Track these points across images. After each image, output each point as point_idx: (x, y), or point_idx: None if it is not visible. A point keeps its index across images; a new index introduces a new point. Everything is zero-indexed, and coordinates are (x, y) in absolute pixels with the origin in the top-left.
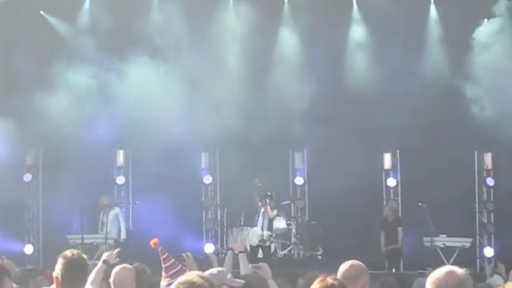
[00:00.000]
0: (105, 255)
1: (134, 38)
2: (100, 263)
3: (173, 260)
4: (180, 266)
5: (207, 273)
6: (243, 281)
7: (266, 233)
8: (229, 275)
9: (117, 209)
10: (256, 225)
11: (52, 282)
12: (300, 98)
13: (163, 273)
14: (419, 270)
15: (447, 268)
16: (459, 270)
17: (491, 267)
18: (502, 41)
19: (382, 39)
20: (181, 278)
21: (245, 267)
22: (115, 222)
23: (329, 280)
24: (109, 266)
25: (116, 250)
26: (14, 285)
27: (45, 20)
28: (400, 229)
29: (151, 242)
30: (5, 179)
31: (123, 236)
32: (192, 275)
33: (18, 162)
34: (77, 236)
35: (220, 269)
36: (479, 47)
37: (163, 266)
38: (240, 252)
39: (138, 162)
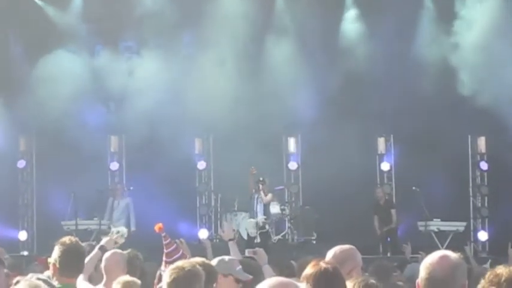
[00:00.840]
0: (103, 241)
1: (126, 23)
2: (96, 249)
3: (175, 245)
4: (181, 251)
5: (217, 259)
6: (251, 276)
7: (260, 218)
8: (239, 267)
9: (129, 199)
10: (254, 212)
11: (46, 269)
12: (294, 83)
13: (164, 258)
14: (411, 255)
15: (440, 253)
16: (452, 255)
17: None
18: (497, 23)
19: (375, 24)
20: (174, 264)
21: (235, 255)
22: (125, 211)
23: (322, 265)
24: (105, 252)
25: (114, 237)
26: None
27: (38, 6)
28: (393, 211)
29: (156, 227)
30: None
31: (133, 227)
32: (188, 261)
33: (11, 148)
34: (71, 222)
35: (232, 258)
36: (473, 29)
37: (165, 251)
38: (230, 240)
39: (132, 148)
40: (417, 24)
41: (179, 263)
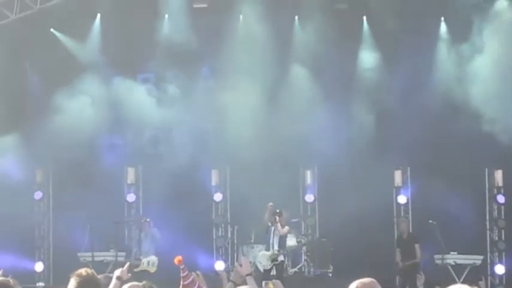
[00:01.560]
0: (117, 272)
1: (144, 54)
2: (114, 280)
3: (192, 278)
4: (197, 284)
5: None
6: None
7: (273, 251)
8: None
9: (155, 230)
10: (270, 245)
11: None
12: (311, 115)
13: None
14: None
15: (457, 286)
16: None
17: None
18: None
19: (392, 58)
20: None
21: None
22: (153, 243)
23: None
24: (122, 282)
25: (126, 265)
26: None
27: (56, 38)
28: (417, 246)
29: (176, 259)
30: (15, 196)
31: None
32: None
33: (28, 180)
34: (87, 254)
35: None
36: (490, 60)
37: (182, 283)
38: (247, 274)
39: (149, 180)
40: (434, 57)
41: None
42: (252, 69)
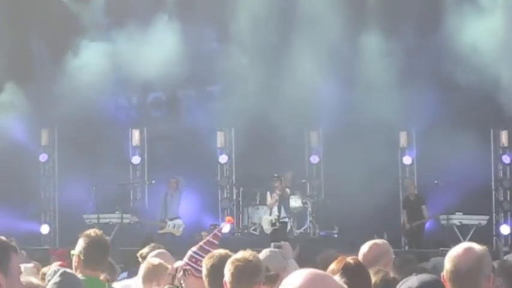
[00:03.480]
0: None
1: (143, 13)
2: None
3: (217, 243)
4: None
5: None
6: None
7: (273, 216)
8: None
9: (179, 195)
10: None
11: (63, 261)
12: (316, 76)
13: (203, 244)
14: (442, 248)
15: (465, 245)
16: (477, 247)
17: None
18: None
19: (395, 20)
20: (238, 255)
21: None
22: (177, 207)
23: (346, 260)
24: None
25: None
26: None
27: (60, 2)
28: (424, 207)
29: (227, 219)
30: (21, 159)
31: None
32: (250, 253)
33: (33, 142)
34: (93, 216)
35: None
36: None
37: (210, 239)
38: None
39: (153, 142)
40: (441, 14)
41: (244, 254)
42: (255, 32)
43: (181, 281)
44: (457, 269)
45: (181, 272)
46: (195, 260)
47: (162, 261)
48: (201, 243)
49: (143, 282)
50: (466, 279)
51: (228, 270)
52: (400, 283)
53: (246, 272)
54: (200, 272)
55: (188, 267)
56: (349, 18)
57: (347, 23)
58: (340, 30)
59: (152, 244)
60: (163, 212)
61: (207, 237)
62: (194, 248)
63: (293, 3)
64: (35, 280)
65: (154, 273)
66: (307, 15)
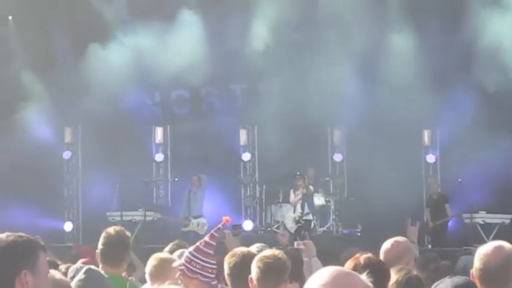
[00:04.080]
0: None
1: (166, 9)
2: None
3: (215, 244)
4: (212, 252)
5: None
6: None
7: (296, 213)
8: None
9: (202, 192)
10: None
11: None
12: (341, 74)
13: (199, 245)
14: (465, 247)
15: (495, 243)
16: (507, 245)
17: None
18: None
19: (419, 19)
20: (266, 252)
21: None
22: (200, 205)
23: (361, 258)
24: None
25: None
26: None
27: None
28: (447, 205)
29: (225, 219)
30: (44, 156)
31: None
32: (277, 250)
33: (57, 139)
34: (116, 213)
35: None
36: None
37: (207, 240)
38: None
39: (176, 139)
40: (464, 15)
41: (273, 251)
42: (279, 30)
43: (179, 281)
44: (486, 267)
45: (178, 272)
46: (189, 260)
47: (168, 255)
48: (198, 243)
49: (150, 278)
50: (495, 277)
51: (256, 267)
52: (433, 286)
53: (275, 268)
54: (193, 272)
55: (183, 267)
56: (374, 17)
57: (372, 21)
58: (365, 29)
59: (176, 241)
60: (186, 209)
61: (204, 238)
62: (191, 249)
63: (317, 1)
64: (57, 275)
65: (160, 268)
66: (332, 14)
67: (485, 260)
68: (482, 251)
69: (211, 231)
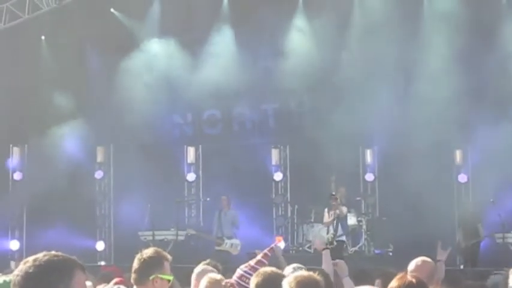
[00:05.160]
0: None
1: (202, 31)
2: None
3: (267, 263)
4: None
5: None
6: None
7: (329, 235)
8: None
9: (234, 212)
10: (328, 228)
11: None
12: (372, 93)
13: (253, 264)
14: (495, 271)
15: None
16: None
17: None
18: None
19: (453, 36)
20: (299, 274)
21: (327, 264)
22: (232, 225)
23: (408, 278)
24: None
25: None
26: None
27: (115, 17)
28: (479, 225)
29: (278, 238)
30: (77, 176)
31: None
32: (311, 273)
33: (89, 159)
34: (148, 233)
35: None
36: None
37: (260, 259)
38: (324, 249)
39: (208, 159)
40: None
41: (305, 274)
42: (309, 49)
43: None
44: None
45: None
46: (240, 276)
47: (222, 277)
48: (251, 262)
49: None
50: None
51: (288, 285)
52: None
53: (310, 286)
54: (242, 286)
55: (234, 282)
56: (408, 33)
57: (406, 38)
58: (399, 46)
59: (207, 260)
60: (219, 229)
61: (258, 257)
62: (244, 268)
63: (349, 14)
64: None
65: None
66: (365, 30)
67: None
68: None
69: (265, 251)
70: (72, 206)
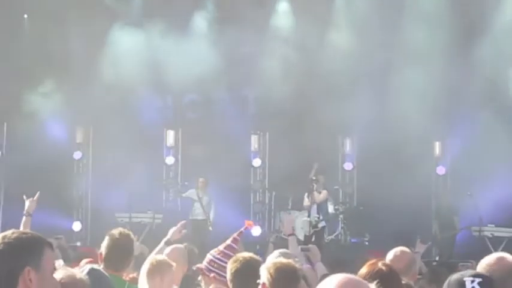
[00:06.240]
0: (170, 233)
1: (181, 13)
2: (162, 244)
3: (237, 247)
4: (233, 255)
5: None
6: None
7: (312, 217)
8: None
9: (210, 195)
10: (309, 212)
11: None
12: (351, 83)
13: (223, 248)
14: (462, 263)
15: (498, 254)
16: (510, 257)
17: None
18: None
19: (432, 33)
20: (278, 260)
21: (293, 250)
22: (207, 208)
23: (379, 265)
24: (170, 244)
25: (181, 223)
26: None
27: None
28: (456, 218)
29: (247, 223)
30: (55, 156)
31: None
32: (289, 261)
33: (68, 139)
34: (125, 215)
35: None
36: None
37: (229, 243)
38: (290, 235)
39: (188, 143)
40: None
41: (283, 261)
42: (291, 35)
43: (202, 284)
44: None
45: (202, 275)
46: (209, 261)
47: (165, 257)
48: (220, 247)
49: (147, 277)
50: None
51: (267, 271)
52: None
53: (289, 273)
54: (210, 270)
55: (212, 274)
56: (386, 24)
57: (385, 27)
58: (379, 36)
59: (184, 244)
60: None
61: (227, 241)
62: (214, 253)
63: (331, 5)
64: (78, 274)
65: (158, 269)
66: (344, 17)
67: (487, 270)
68: (485, 262)
69: (234, 235)
70: (49, 186)
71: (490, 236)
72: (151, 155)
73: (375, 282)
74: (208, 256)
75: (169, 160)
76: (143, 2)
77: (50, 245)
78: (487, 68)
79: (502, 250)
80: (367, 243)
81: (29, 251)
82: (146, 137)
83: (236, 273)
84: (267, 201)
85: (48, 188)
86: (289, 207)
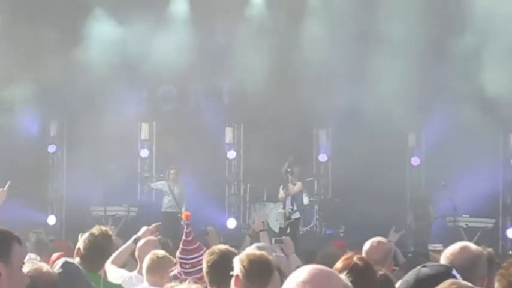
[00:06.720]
0: (141, 231)
1: (159, 5)
2: (130, 241)
3: (193, 236)
4: (198, 244)
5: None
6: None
7: (287, 209)
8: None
9: (182, 186)
10: (284, 204)
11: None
12: (325, 75)
13: (181, 245)
14: (431, 247)
15: (462, 243)
16: (474, 246)
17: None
18: None
19: (406, 24)
20: (251, 252)
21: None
22: (179, 199)
23: (354, 259)
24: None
25: (155, 224)
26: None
27: None
28: (431, 208)
29: (184, 214)
30: (29, 149)
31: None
32: (258, 252)
33: (42, 133)
34: (100, 208)
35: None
36: None
37: (183, 238)
38: (260, 230)
39: (162, 135)
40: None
41: (257, 253)
42: (266, 26)
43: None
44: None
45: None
46: (181, 263)
47: (167, 254)
48: (180, 245)
49: (147, 274)
50: (461, 277)
51: (240, 263)
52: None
53: (262, 265)
54: (188, 273)
55: (178, 271)
56: (362, 14)
57: (361, 18)
58: (353, 26)
59: (158, 237)
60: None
61: (182, 238)
62: (177, 253)
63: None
64: (44, 267)
65: (159, 265)
66: (319, 6)
67: (451, 259)
68: (449, 251)
69: (184, 230)
70: (24, 179)
71: (465, 226)
72: (126, 148)
73: (345, 273)
74: (177, 259)
75: (144, 153)
76: None
77: (19, 240)
78: (463, 60)
79: (477, 240)
80: (342, 234)
81: None
82: (121, 130)
83: (212, 266)
84: (242, 193)
85: (22, 181)
86: (264, 199)
